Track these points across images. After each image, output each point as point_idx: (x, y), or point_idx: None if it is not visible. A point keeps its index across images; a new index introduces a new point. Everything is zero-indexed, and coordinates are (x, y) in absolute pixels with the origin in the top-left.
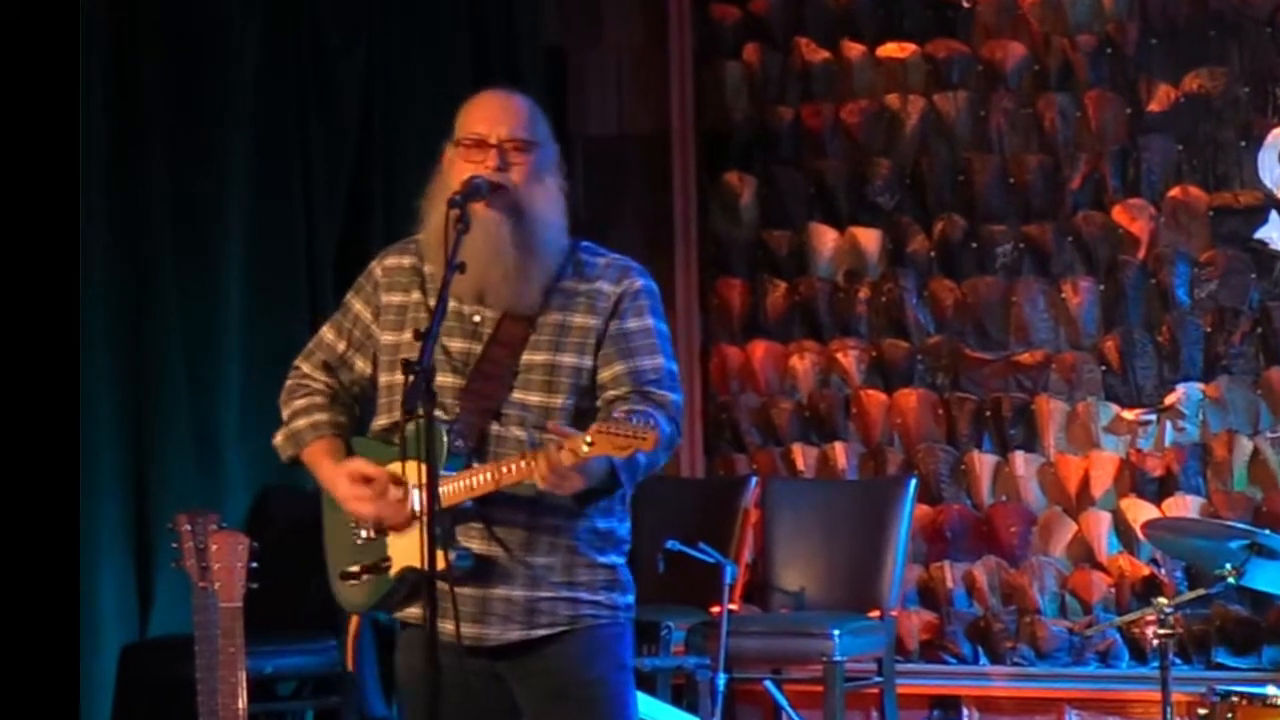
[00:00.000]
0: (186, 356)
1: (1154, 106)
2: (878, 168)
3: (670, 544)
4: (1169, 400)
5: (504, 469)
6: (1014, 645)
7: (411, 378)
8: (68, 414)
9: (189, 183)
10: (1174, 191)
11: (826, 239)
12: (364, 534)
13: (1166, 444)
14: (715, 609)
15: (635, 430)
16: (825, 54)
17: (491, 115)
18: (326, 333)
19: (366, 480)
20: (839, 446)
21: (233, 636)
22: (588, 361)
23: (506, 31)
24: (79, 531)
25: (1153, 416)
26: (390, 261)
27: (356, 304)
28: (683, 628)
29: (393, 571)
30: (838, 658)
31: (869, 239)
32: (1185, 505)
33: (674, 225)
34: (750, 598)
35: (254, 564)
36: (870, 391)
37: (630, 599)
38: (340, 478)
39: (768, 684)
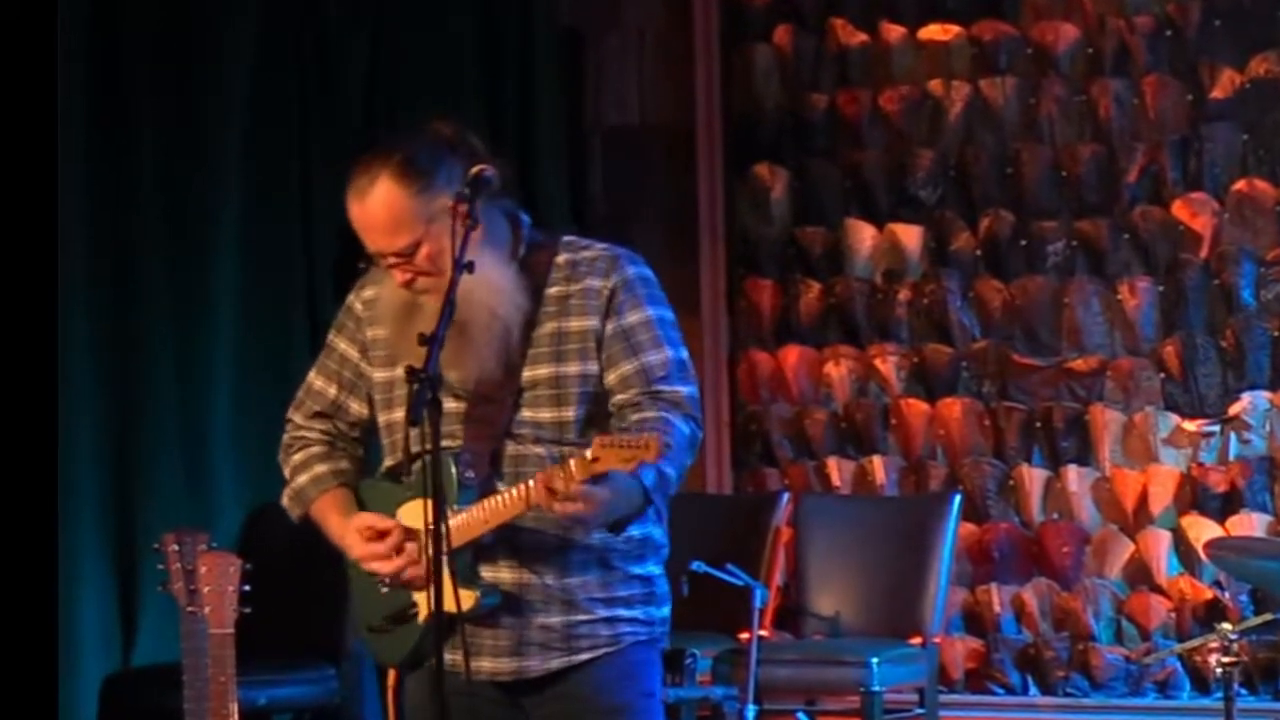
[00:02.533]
0: (175, 364)
1: (1217, 93)
2: (919, 159)
3: (695, 565)
4: (1233, 410)
5: (500, 501)
6: (1066, 674)
7: (416, 386)
8: (45, 426)
9: (178, 180)
10: (1239, 185)
11: (864, 236)
12: (388, 581)
13: (1231, 457)
14: (744, 635)
15: (634, 440)
16: (862, 36)
17: (365, 229)
18: (314, 379)
19: (380, 535)
20: (877, 460)
21: (223, 665)
22: (593, 367)
23: (518, 13)
24: (57, 553)
25: (1216, 428)
26: (369, 294)
27: (341, 343)
28: (709, 656)
29: (421, 617)
30: (876, 688)
31: (910, 236)
32: (1251, 523)
33: (699, 222)
34: (782, 623)
35: (246, 587)
36: (911, 401)
37: (666, 611)
38: (350, 535)
39: (800, 716)
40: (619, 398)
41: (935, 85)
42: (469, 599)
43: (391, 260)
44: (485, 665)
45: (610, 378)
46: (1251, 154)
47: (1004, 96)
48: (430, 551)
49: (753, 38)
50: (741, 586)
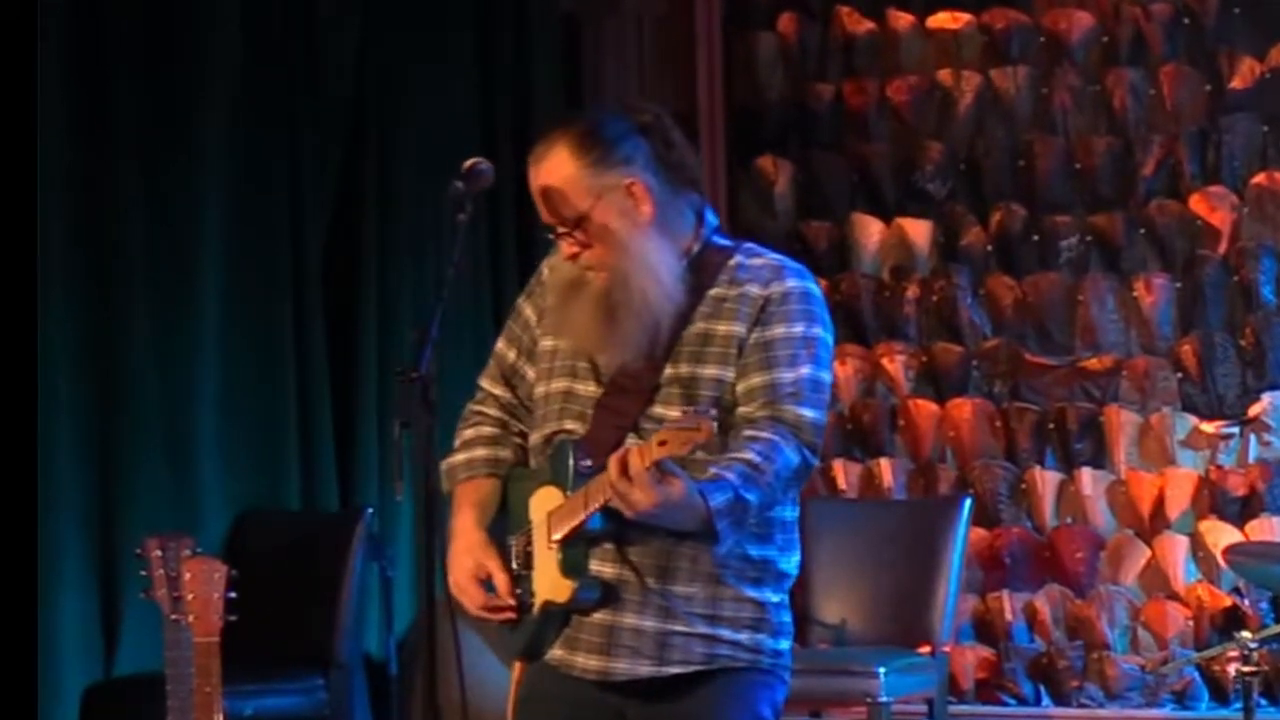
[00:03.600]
0: (158, 363)
1: (1237, 83)
2: (928, 152)
3: None
4: (1253, 411)
5: (591, 494)
6: (1080, 684)
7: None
8: (23, 426)
9: (162, 174)
10: (1259, 178)
11: (871, 231)
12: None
13: (1250, 460)
14: None
15: (688, 421)
16: (870, 24)
17: (535, 195)
18: (499, 342)
19: (484, 583)
20: (885, 463)
21: (208, 675)
22: (729, 373)
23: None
24: (37, 558)
25: (1235, 429)
26: (556, 259)
27: (527, 308)
28: None
29: (535, 608)
30: (883, 698)
31: (918, 231)
32: (1271, 528)
33: None
34: None
35: (232, 594)
36: (920, 401)
37: (782, 645)
38: (463, 558)
39: None
40: (743, 410)
41: (945, 75)
42: (566, 590)
43: (560, 231)
44: (579, 660)
45: (740, 387)
46: (1272, 146)
47: (1016, 87)
48: (424, 538)
49: (756, 25)
50: None
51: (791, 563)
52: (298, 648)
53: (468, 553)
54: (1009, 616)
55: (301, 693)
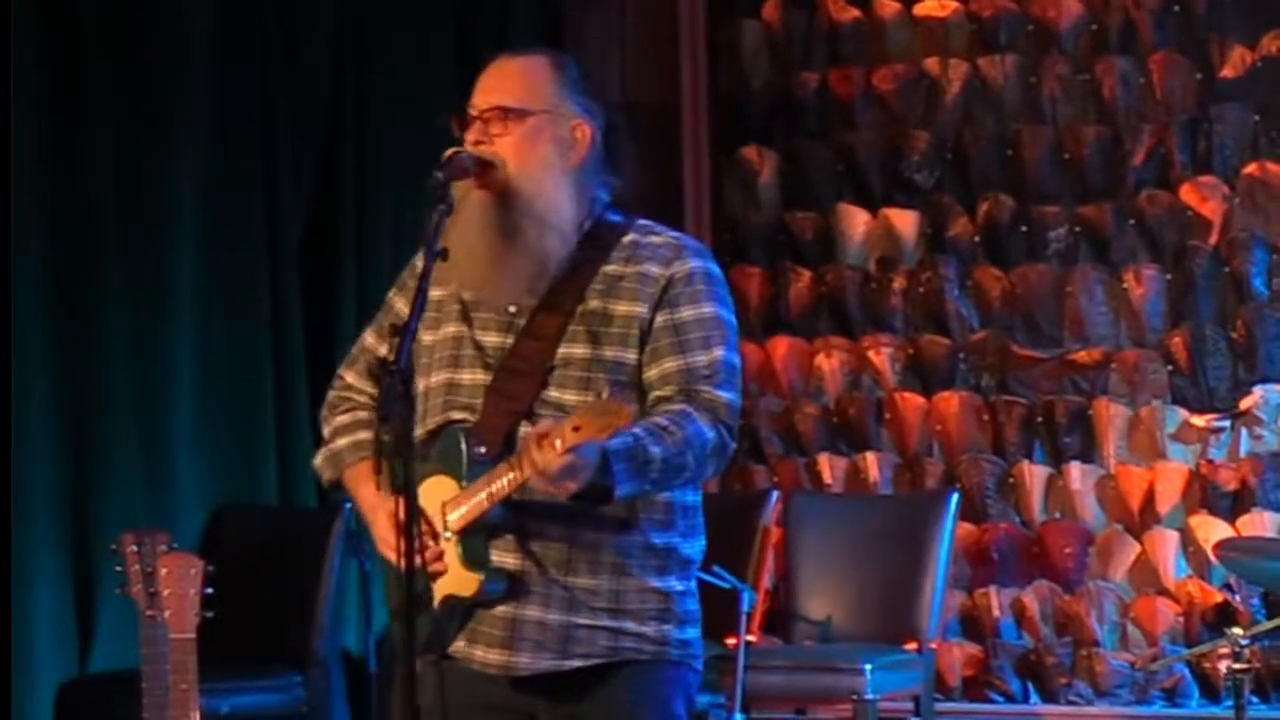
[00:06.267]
0: (133, 355)
1: (1228, 71)
2: (914, 141)
3: None
4: (1244, 404)
5: (496, 482)
6: (1069, 682)
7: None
8: None
9: (134, 154)
10: (1250, 168)
11: (857, 222)
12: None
13: (1242, 454)
14: (731, 641)
15: (608, 406)
16: (855, 12)
17: (483, 82)
18: (368, 336)
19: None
20: (871, 457)
21: (184, 672)
22: (630, 355)
23: None
24: (10, 553)
25: (1226, 423)
26: None
27: (399, 302)
28: None
29: (435, 602)
30: (869, 695)
31: (905, 222)
32: (1263, 523)
33: (684, 206)
34: (770, 628)
35: (208, 590)
36: (906, 394)
37: (690, 634)
38: (380, 514)
39: None
40: (656, 393)
41: (931, 63)
42: (473, 583)
43: (475, 114)
44: (476, 654)
45: (651, 372)
46: (1263, 135)
47: (1004, 75)
48: (421, 537)
49: (740, 13)
50: (728, 589)
51: (695, 548)
52: (275, 644)
53: (382, 509)
54: (996, 613)
55: (279, 690)
